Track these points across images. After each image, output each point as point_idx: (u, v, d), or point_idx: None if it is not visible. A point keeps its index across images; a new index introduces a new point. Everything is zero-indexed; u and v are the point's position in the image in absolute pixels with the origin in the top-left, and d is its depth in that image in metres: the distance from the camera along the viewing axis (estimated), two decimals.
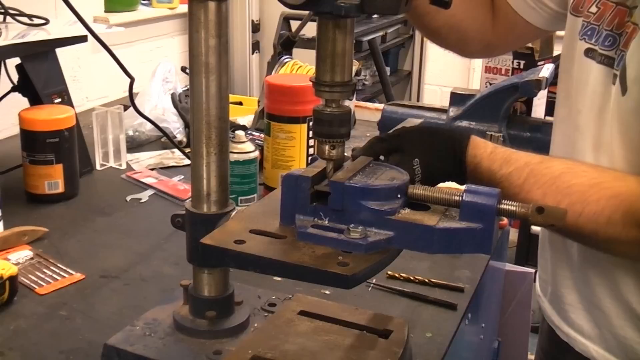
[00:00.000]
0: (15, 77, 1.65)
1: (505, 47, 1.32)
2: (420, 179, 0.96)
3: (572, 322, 1.13)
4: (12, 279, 1.14)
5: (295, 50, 2.33)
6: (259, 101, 2.06)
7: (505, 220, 1.54)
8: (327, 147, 0.90)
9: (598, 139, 1.02)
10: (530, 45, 1.88)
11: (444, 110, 1.79)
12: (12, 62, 1.65)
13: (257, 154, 1.49)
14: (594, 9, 1.03)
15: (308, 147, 1.54)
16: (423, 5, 1.15)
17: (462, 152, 0.99)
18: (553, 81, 1.72)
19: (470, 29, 1.25)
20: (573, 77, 1.09)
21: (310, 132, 1.53)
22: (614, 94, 0.98)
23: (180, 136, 1.89)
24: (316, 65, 0.90)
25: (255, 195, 1.49)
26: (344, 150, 0.92)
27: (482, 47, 1.29)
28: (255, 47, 3.63)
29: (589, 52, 1.04)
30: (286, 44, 1.01)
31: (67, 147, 1.54)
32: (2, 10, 1.69)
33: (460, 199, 0.83)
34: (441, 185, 0.89)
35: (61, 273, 1.25)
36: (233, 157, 1.41)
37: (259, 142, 1.68)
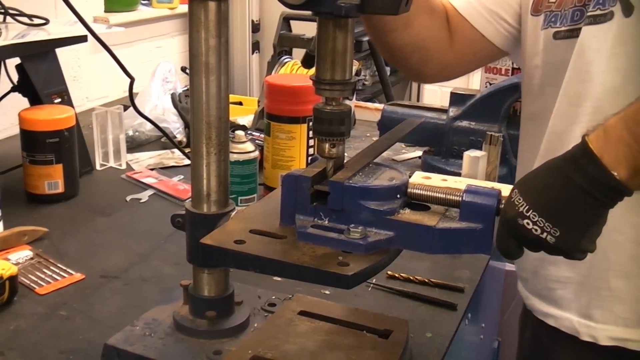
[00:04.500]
0: (15, 77, 1.65)
1: (462, 68, 1.28)
2: (531, 209, 0.79)
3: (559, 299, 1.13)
4: (12, 279, 1.14)
5: (295, 50, 2.33)
6: (259, 101, 2.06)
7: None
8: (327, 146, 0.90)
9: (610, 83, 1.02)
10: None
11: (444, 110, 1.79)
12: (12, 62, 1.65)
13: (257, 154, 1.49)
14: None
15: (308, 147, 1.54)
16: (391, 21, 1.13)
17: (589, 156, 0.78)
18: None
19: (432, 48, 1.22)
20: (544, 68, 1.12)
21: (311, 132, 1.53)
22: (616, 22, 0.99)
23: (180, 136, 1.89)
24: (316, 63, 0.90)
25: (255, 195, 1.49)
26: (344, 148, 0.93)
27: (441, 68, 1.26)
28: (255, 47, 3.62)
29: (556, 35, 1.08)
30: (308, 60, 1.01)
31: (67, 147, 1.54)
32: (2, 10, 1.69)
33: (460, 199, 0.84)
34: (441, 185, 0.89)
35: (61, 273, 1.25)
36: (233, 157, 1.41)
37: (259, 142, 1.68)
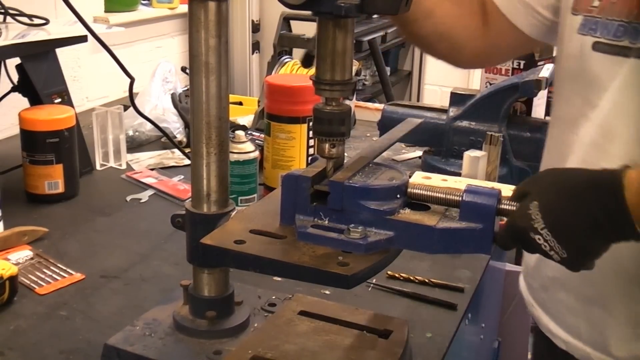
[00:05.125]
0: (15, 77, 1.65)
1: (497, 58, 1.28)
2: (546, 228, 0.78)
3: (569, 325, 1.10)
4: (12, 279, 1.14)
5: (295, 50, 2.33)
6: (259, 101, 2.06)
7: (505, 221, 1.54)
8: (327, 146, 0.91)
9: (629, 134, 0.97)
10: None
11: (444, 110, 1.79)
12: (12, 62, 1.65)
13: (257, 154, 1.49)
14: (596, 3, 1.01)
15: (308, 147, 1.54)
16: (412, 12, 1.14)
17: (618, 194, 0.76)
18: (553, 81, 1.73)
19: (461, 38, 1.23)
20: (575, 75, 1.06)
21: (311, 132, 1.53)
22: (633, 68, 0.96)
23: (180, 136, 1.89)
24: (316, 63, 0.90)
25: (255, 195, 1.49)
26: (344, 148, 0.93)
27: (474, 56, 1.26)
28: (255, 47, 3.62)
29: (596, 46, 1.00)
30: (308, 59, 1.01)
31: (67, 147, 1.54)
32: (2, 10, 1.69)
33: (460, 199, 0.83)
34: (441, 185, 0.89)
35: (61, 273, 1.25)
36: (233, 157, 1.41)
37: (259, 142, 1.68)
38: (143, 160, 1.84)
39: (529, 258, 1.21)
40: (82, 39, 1.65)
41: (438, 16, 1.18)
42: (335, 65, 0.89)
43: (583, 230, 0.78)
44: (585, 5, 1.03)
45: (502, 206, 0.83)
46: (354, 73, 0.93)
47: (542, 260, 0.91)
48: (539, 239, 0.78)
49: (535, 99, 1.81)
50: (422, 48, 1.29)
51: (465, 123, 1.75)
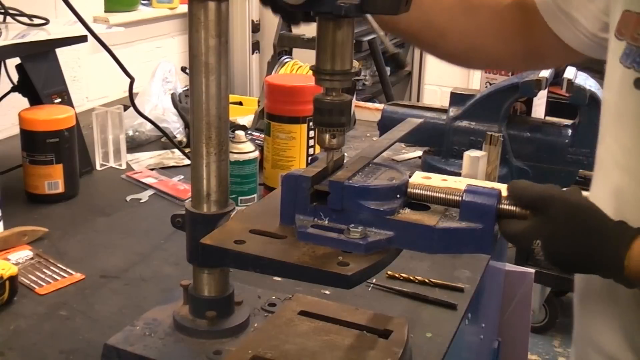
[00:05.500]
0: (15, 77, 1.65)
1: (541, 65, 1.24)
2: (547, 259, 0.84)
3: None
4: (12, 279, 1.14)
5: (295, 50, 2.33)
6: (259, 101, 2.06)
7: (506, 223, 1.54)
8: (327, 136, 0.90)
9: None
10: None
11: (444, 110, 1.79)
12: (12, 62, 1.65)
13: (257, 154, 1.49)
14: None
15: (308, 147, 1.54)
16: (425, 39, 1.13)
17: (617, 250, 0.80)
18: (553, 81, 1.73)
19: (500, 58, 1.21)
20: (617, 109, 0.95)
21: (311, 132, 1.53)
22: None
23: (180, 136, 1.89)
24: (316, 54, 0.90)
25: (255, 195, 1.49)
26: (344, 139, 0.92)
27: (513, 65, 1.24)
28: (255, 47, 3.62)
29: (638, 83, 0.88)
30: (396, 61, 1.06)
31: (67, 147, 1.54)
32: (2, 10, 1.69)
33: (460, 199, 0.84)
34: (441, 185, 0.89)
35: (61, 273, 1.25)
36: (233, 157, 1.41)
37: (259, 142, 1.68)
38: (143, 160, 1.84)
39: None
40: (82, 39, 1.65)
41: (456, 34, 1.15)
42: (335, 56, 0.89)
43: (578, 270, 0.88)
44: (631, 32, 0.90)
45: (502, 206, 0.83)
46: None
47: None
48: (538, 260, 0.84)
49: (535, 99, 1.81)
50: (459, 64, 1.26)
51: (465, 123, 1.75)
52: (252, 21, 3.53)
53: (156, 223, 1.45)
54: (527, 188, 0.83)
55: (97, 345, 1.00)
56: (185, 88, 2.02)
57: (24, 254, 1.31)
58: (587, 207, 0.83)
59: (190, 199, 0.99)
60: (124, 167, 1.78)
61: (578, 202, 0.83)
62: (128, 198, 1.59)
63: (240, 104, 2.29)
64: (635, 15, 0.90)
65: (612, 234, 0.81)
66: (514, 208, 0.83)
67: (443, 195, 0.86)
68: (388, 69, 4.05)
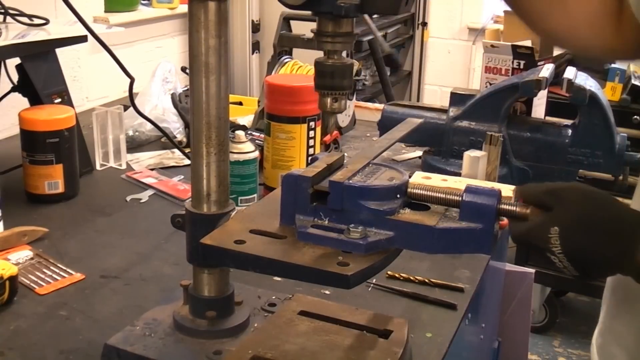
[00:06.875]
0: (15, 77, 1.65)
1: (632, 57, 1.22)
2: (563, 254, 0.82)
3: None
4: (12, 279, 1.14)
5: (295, 50, 2.33)
6: (259, 101, 2.06)
7: (505, 220, 1.54)
8: (329, 100, 0.90)
9: None
10: (530, 45, 1.87)
11: (444, 110, 1.79)
12: (12, 62, 1.65)
13: (257, 154, 1.49)
14: None
15: (308, 147, 1.54)
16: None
17: (634, 240, 0.80)
18: (553, 81, 1.73)
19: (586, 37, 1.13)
20: None
21: (311, 132, 1.53)
22: None
23: (180, 136, 1.89)
24: (318, 17, 0.90)
25: (255, 195, 1.49)
26: (346, 103, 0.92)
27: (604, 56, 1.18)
28: (255, 47, 3.63)
29: None
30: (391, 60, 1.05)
31: (67, 147, 1.54)
32: (2, 10, 1.69)
33: (460, 199, 0.84)
34: (441, 185, 0.89)
35: (61, 273, 1.25)
36: (233, 157, 1.41)
37: (259, 142, 1.68)
38: (143, 160, 1.84)
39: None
40: (82, 39, 1.65)
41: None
42: (337, 18, 0.88)
43: (597, 266, 0.82)
44: None
45: (502, 206, 0.83)
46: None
47: None
48: (554, 259, 0.81)
49: (535, 99, 1.81)
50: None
51: (465, 123, 1.75)
52: (252, 21, 3.53)
53: (156, 223, 1.45)
54: (535, 186, 0.85)
55: (97, 345, 1.00)
56: (185, 88, 2.02)
57: (24, 254, 1.31)
58: (600, 194, 0.84)
59: (190, 199, 0.99)
60: (124, 167, 1.78)
61: (592, 190, 0.85)
62: (128, 198, 1.59)
63: (240, 104, 2.29)
64: None
65: (625, 227, 0.81)
66: (514, 208, 0.83)
67: (443, 196, 0.86)
68: (388, 69, 4.05)
